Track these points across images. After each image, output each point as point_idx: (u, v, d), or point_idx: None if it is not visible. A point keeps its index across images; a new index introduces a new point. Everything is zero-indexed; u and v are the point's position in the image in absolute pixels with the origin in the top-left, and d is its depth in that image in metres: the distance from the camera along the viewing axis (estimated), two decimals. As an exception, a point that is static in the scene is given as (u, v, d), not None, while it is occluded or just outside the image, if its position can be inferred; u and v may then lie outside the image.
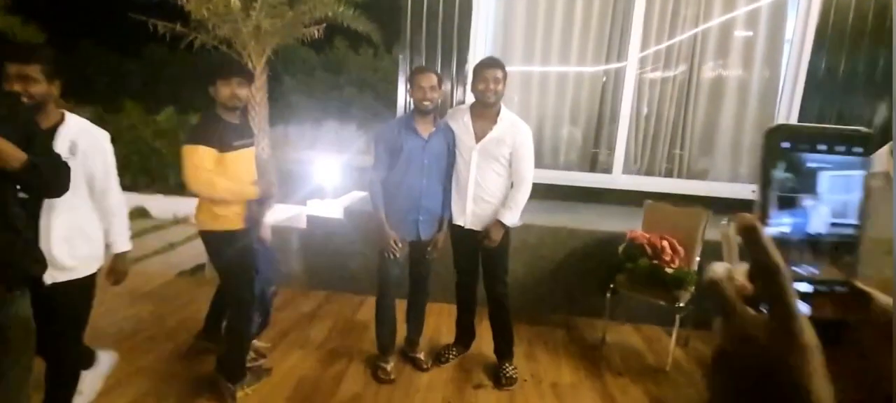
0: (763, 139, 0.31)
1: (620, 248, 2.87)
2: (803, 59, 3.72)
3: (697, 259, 2.77)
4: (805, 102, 3.75)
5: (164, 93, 12.99)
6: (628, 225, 3.09)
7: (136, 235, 5.86)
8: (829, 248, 0.32)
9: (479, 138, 2.35)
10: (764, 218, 0.31)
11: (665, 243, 2.70)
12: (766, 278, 0.28)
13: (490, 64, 2.29)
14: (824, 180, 0.31)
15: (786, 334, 0.26)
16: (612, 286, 2.78)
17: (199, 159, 1.98)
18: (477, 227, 2.42)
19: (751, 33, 3.91)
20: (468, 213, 2.41)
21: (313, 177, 5.52)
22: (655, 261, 2.64)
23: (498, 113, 2.35)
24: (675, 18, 3.93)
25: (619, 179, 4.10)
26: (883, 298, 0.33)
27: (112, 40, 15.24)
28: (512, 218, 2.35)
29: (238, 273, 2.17)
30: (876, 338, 0.32)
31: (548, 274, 3.30)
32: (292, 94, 13.80)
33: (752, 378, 0.27)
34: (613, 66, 4.07)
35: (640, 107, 4.10)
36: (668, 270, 2.59)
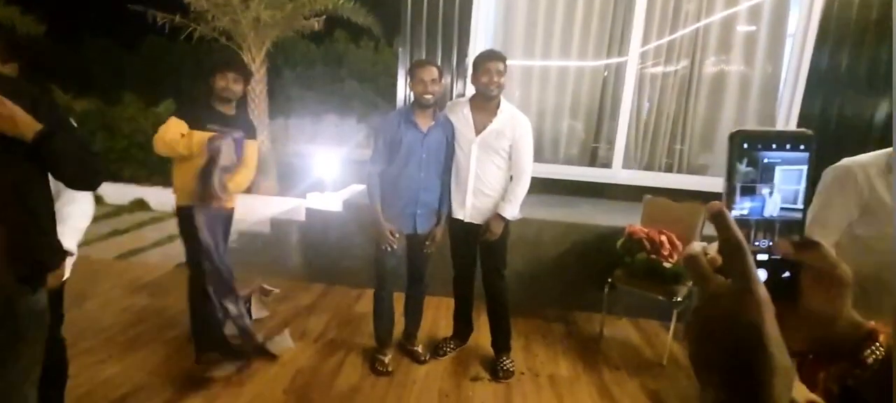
0: (728, 140, 0.39)
1: (619, 243, 2.87)
2: (805, 55, 3.70)
3: (696, 254, 2.77)
4: (806, 98, 3.73)
5: (163, 85, 12.96)
6: (627, 219, 3.09)
7: (135, 227, 5.86)
8: (781, 228, 0.40)
9: (478, 131, 2.35)
10: (729, 204, 0.39)
11: (663, 238, 2.70)
12: (732, 251, 0.35)
13: (492, 56, 2.28)
14: (777, 173, 0.39)
15: (745, 292, 0.33)
16: (610, 280, 2.78)
17: (166, 126, 2.22)
18: (476, 221, 2.41)
19: (753, 28, 3.88)
20: (468, 206, 2.41)
21: (313, 171, 5.52)
22: (653, 256, 2.64)
23: (498, 105, 2.35)
24: (676, 13, 3.91)
25: (619, 174, 4.09)
26: (830, 252, 0.40)
27: (112, 32, 15.19)
28: (511, 212, 2.35)
29: (189, 247, 2.33)
30: (813, 284, 0.40)
31: (546, 268, 3.30)
32: (292, 87, 13.75)
33: (720, 329, 0.34)
34: (614, 60, 4.06)
35: (640, 102, 4.08)
36: (666, 265, 2.59)
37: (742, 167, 0.39)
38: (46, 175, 1.34)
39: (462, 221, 2.44)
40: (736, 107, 3.99)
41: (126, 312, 3.02)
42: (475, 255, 2.52)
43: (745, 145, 0.39)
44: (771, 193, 0.39)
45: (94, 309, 3.05)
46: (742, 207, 0.39)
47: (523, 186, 2.36)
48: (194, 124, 2.24)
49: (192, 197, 2.22)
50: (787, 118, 3.80)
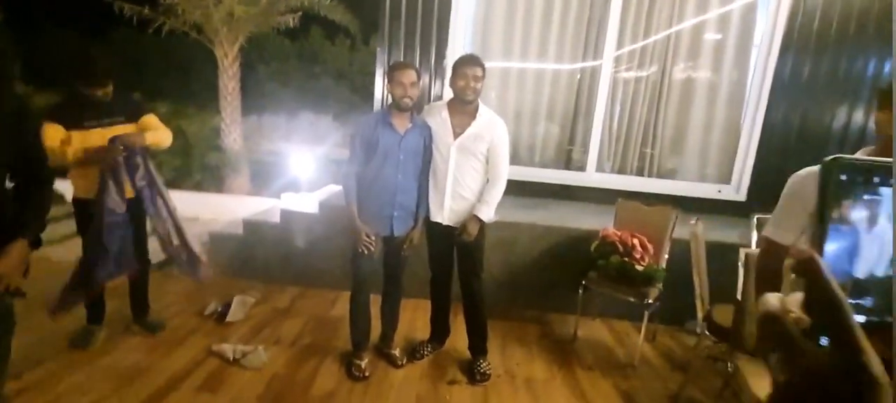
0: (821, 171, 0.29)
1: (593, 245, 2.92)
2: (770, 63, 3.85)
3: (666, 256, 2.85)
4: (771, 105, 3.88)
5: (130, 79, 12.47)
6: (601, 222, 3.16)
7: (99, 228, 5.50)
8: (884, 280, 0.28)
9: (457, 134, 2.36)
10: (820, 249, 0.29)
11: (635, 241, 2.77)
12: (827, 312, 0.27)
13: (470, 61, 2.29)
14: (879, 213, 0.27)
15: (855, 369, 0.25)
16: (584, 282, 2.84)
17: (46, 134, 2.14)
18: (454, 223, 2.43)
19: (721, 36, 4.01)
20: (446, 209, 2.42)
21: (288, 170, 5.43)
22: (626, 259, 2.70)
23: (476, 109, 2.36)
24: (649, 19, 4.01)
25: (592, 177, 4.17)
26: None
27: (77, 22, 14.52)
28: (487, 213, 2.37)
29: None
30: None
31: (522, 270, 3.34)
32: (266, 84, 13.47)
33: None
34: (589, 64, 4.13)
35: (613, 107, 4.17)
36: (639, 267, 2.66)
37: (837, 205, 0.28)
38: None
39: (440, 224, 2.45)
40: (704, 112, 4.12)
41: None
42: (452, 258, 2.53)
43: (844, 177, 0.29)
44: (875, 238, 0.29)
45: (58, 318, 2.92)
46: (836, 254, 0.28)
47: (499, 189, 2.39)
48: (72, 124, 2.22)
49: (92, 193, 2.28)
50: (752, 125, 3.95)
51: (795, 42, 3.78)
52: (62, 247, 4.47)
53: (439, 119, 2.39)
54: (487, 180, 2.43)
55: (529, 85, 4.24)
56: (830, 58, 3.78)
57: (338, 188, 4.04)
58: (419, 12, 4.02)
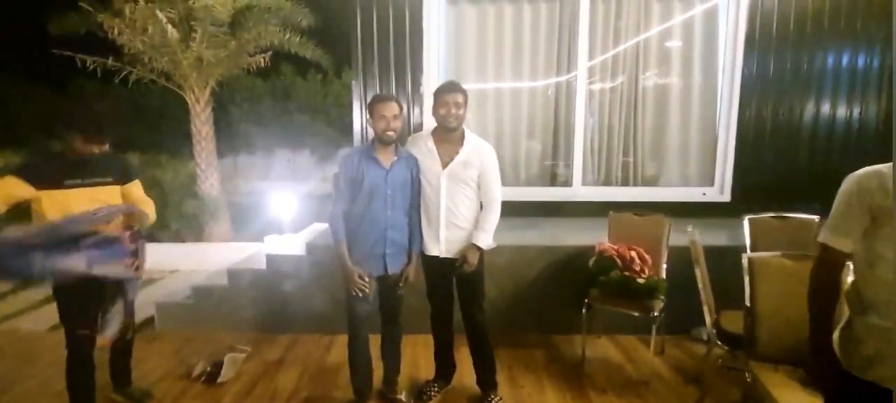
0: None
1: (591, 262, 2.89)
2: (737, 64, 3.96)
3: (664, 266, 2.83)
4: (742, 104, 3.98)
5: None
6: (592, 236, 3.13)
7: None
8: None
9: (445, 163, 2.30)
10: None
11: (633, 253, 2.74)
12: None
13: (450, 88, 2.26)
14: None
15: None
16: (586, 301, 2.78)
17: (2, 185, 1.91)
18: (451, 255, 2.35)
19: (688, 40, 4.12)
20: (441, 241, 2.34)
21: (269, 210, 5.28)
22: (626, 273, 2.67)
23: (462, 136, 2.32)
24: (617, 28, 4.08)
25: (579, 191, 4.18)
26: None
27: (37, 75, 14.10)
28: (486, 240, 2.31)
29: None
30: None
31: (521, 294, 3.27)
32: (240, 124, 13.27)
33: None
34: (564, 77, 4.17)
35: (591, 118, 4.21)
36: (640, 280, 2.63)
37: None
38: None
39: (437, 257, 2.36)
40: (679, 117, 4.20)
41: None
42: (452, 290, 2.45)
43: None
44: None
45: (27, 394, 2.70)
46: None
47: (495, 213, 2.33)
48: (47, 183, 1.96)
49: None
50: (728, 125, 4.03)
51: (758, 42, 3.92)
52: (33, 316, 4.22)
53: (425, 149, 2.34)
54: (480, 207, 2.37)
55: (506, 104, 4.25)
56: (792, 54, 3.93)
57: (323, 226, 3.93)
58: (391, 42, 4.02)
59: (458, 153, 2.29)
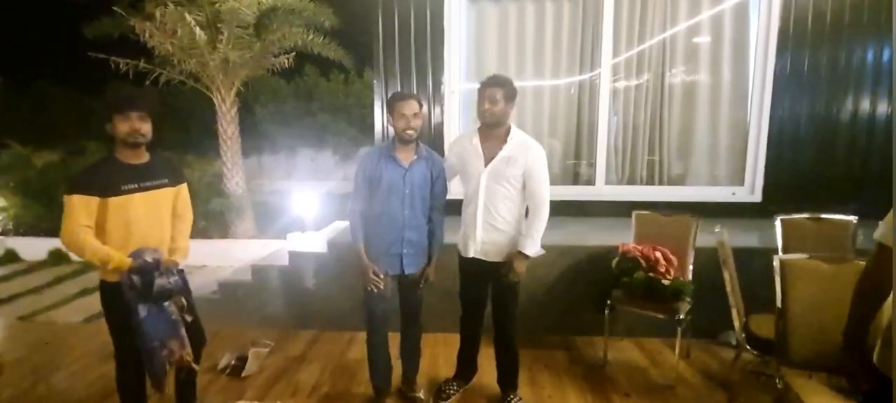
0: None
1: (614, 262, 2.83)
2: (769, 60, 3.82)
3: (690, 267, 2.76)
4: (775, 102, 3.84)
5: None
6: (618, 237, 3.07)
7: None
8: None
9: (488, 160, 2.23)
10: None
11: (658, 254, 2.68)
12: None
13: (488, 82, 2.19)
14: None
15: None
16: (609, 302, 2.73)
17: (72, 210, 1.83)
18: (488, 258, 2.28)
19: (717, 36, 3.99)
20: (478, 242, 2.27)
21: (292, 209, 5.36)
22: (651, 274, 2.61)
23: (507, 132, 2.24)
24: (643, 25, 3.98)
25: (603, 190, 4.10)
26: None
27: (71, 79, 14.72)
28: (534, 248, 2.20)
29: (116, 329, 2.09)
30: None
31: (543, 294, 3.23)
32: (264, 124, 13.54)
33: None
34: (587, 75, 4.10)
35: (615, 117, 4.12)
36: (665, 282, 2.56)
37: None
38: None
39: (473, 259, 2.31)
40: (708, 114, 4.07)
41: (102, 379, 2.79)
42: (486, 295, 2.38)
43: None
44: None
45: (67, 378, 2.82)
46: None
47: (543, 218, 2.22)
48: (106, 191, 1.87)
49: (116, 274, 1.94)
50: (759, 123, 3.89)
51: (792, 37, 3.77)
52: (67, 309, 4.40)
53: (469, 146, 2.28)
54: (524, 211, 2.29)
55: (529, 103, 4.21)
56: (829, 49, 3.76)
57: (344, 224, 3.97)
58: (412, 41, 4.02)
59: (501, 149, 2.22)
